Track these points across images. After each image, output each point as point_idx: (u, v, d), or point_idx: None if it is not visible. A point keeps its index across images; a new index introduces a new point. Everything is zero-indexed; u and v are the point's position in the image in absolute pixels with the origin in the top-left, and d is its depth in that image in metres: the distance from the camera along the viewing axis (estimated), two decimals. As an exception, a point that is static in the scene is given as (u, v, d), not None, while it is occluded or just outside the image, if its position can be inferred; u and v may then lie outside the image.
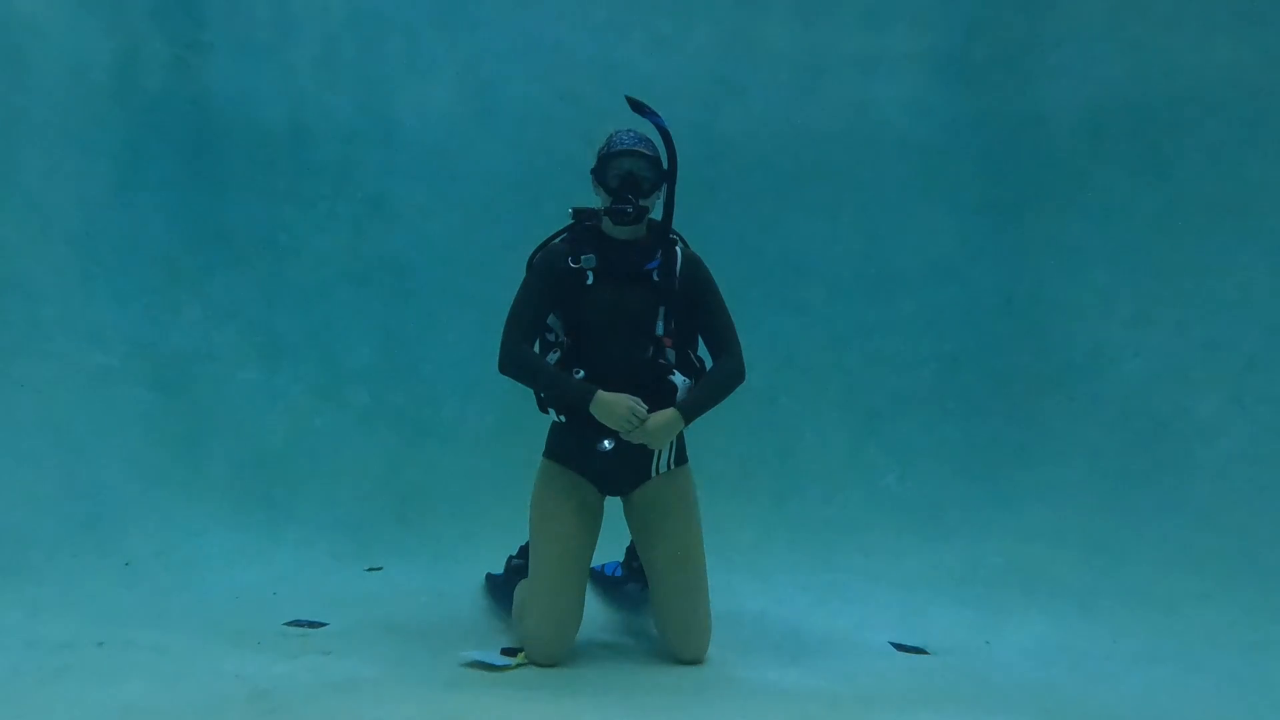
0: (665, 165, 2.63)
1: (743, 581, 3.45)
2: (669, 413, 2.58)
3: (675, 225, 2.71)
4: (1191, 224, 4.01)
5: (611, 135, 2.68)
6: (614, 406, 2.52)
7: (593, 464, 2.68)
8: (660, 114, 2.60)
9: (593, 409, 2.53)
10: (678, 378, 2.63)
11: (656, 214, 2.72)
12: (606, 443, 2.59)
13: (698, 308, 2.73)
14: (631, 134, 2.66)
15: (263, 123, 4.27)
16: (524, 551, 3.13)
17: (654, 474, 2.73)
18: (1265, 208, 3.87)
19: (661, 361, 2.66)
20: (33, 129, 3.82)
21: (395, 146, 4.40)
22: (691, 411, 2.62)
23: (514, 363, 2.62)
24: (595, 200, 2.73)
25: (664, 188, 2.66)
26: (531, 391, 2.78)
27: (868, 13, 4.51)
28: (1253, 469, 3.57)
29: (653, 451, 2.67)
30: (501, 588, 3.19)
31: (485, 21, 4.44)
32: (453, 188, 4.40)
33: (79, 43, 3.98)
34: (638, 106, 2.61)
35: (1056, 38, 4.33)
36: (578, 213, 2.75)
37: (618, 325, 2.64)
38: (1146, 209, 4.11)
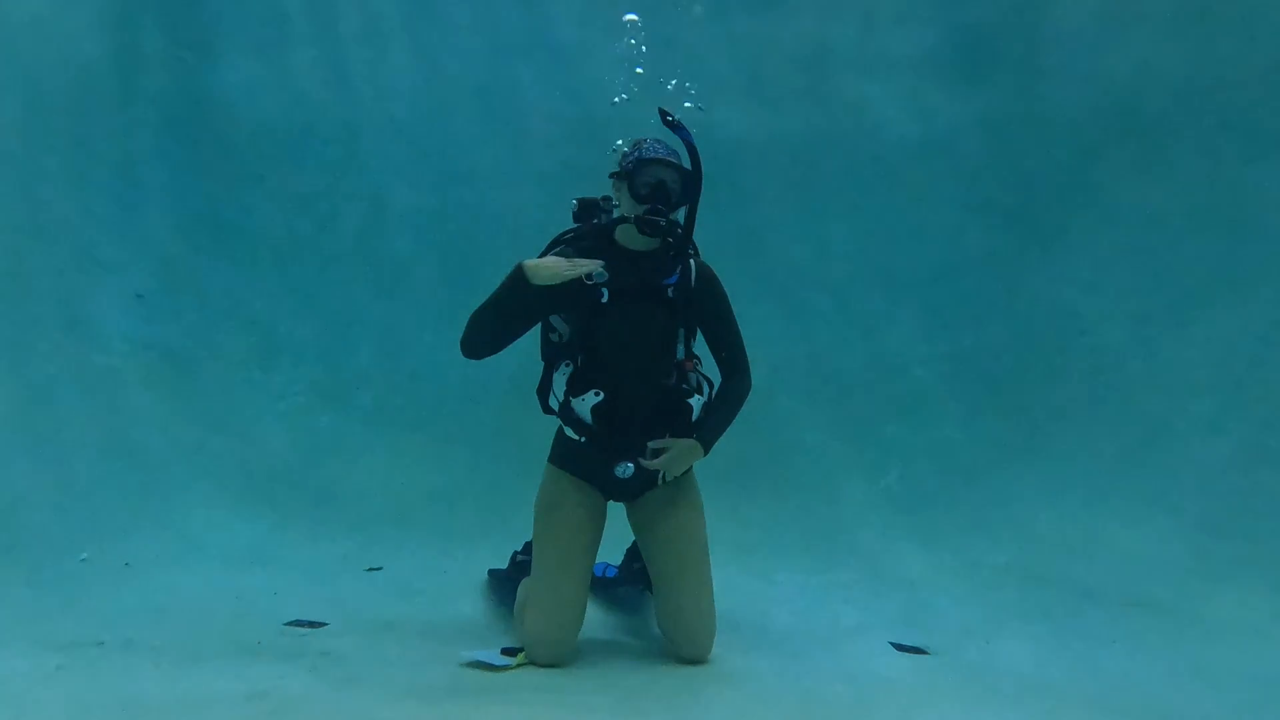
0: (693, 180, 2.56)
1: (743, 581, 3.45)
2: (689, 443, 2.59)
3: None
4: (1191, 224, 4.00)
5: (641, 142, 2.63)
6: (548, 267, 2.46)
7: (601, 475, 2.68)
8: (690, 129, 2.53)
9: (532, 280, 2.46)
10: (694, 399, 2.63)
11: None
12: (625, 468, 2.58)
13: (709, 323, 2.72)
14: (661, 144, 2.62)
15: (264, 122, 4.28)
16: (529, 548, 3.12)
17: (660, 482, 2.73)
18: (1265, 208, 3.87)
19: (685, 386, 2.65)
20: (34, 128, 3.82)
21: (396, 146, 4.40)
22: (712, 441, 2.64)
23: (467, 329, 2.56)
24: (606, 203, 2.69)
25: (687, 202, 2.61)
26: (536, 393, 2.76)
27: (868, 13, 4.52)
28: (1253, 469, 3.56)
29: None
30: (505, 583, 3.19)
31: (485, 21, 4.44)
32: (453, 188, 4.40)
33: (80, 42, 3.98)
34: (669, 121, 2.54)
35: (1056, 38, 4.33)
36: (585, 205, 2.59)
37: (633, 349, 2.60)
38: (1146, 209, 4.11)
